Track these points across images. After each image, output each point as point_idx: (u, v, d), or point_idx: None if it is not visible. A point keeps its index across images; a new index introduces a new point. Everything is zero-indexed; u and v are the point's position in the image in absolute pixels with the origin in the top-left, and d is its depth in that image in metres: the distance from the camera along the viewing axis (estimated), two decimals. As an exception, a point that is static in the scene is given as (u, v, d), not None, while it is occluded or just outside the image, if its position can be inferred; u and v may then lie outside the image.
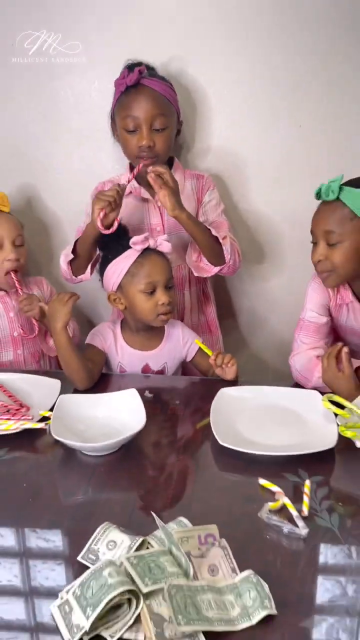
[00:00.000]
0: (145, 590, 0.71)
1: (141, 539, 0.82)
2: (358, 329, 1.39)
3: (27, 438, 1.13)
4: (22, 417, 1.15)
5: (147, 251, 1.34)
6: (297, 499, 0.94)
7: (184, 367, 1.54)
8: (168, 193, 1.37)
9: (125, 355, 1.42)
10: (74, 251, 1.46)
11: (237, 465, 1.04)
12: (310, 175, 1.62)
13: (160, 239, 1.34)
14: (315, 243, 1.29)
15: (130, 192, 1.54)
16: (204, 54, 1.58)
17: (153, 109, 1.43)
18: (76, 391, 1.30)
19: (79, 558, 0.82)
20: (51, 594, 0.77)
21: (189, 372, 1.55)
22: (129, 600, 0.72)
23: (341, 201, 1.22)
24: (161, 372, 1.44)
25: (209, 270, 1.50)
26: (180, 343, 1.45)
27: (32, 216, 1.76)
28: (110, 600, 0.69)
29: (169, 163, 1.56)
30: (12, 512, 0.94)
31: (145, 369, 1.43)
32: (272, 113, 1.61)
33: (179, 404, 1.28)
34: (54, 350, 1.59)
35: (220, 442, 1.05)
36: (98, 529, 0.84)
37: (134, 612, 0.71)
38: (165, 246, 1.34)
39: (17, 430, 1.12)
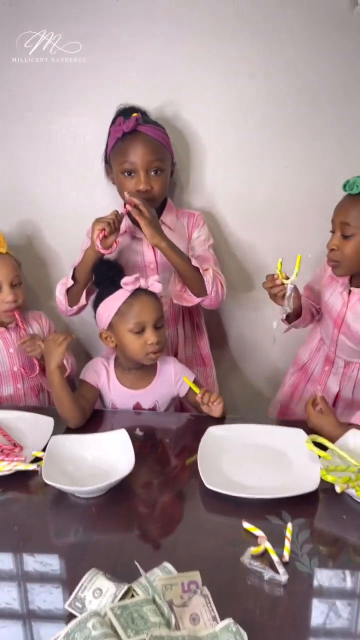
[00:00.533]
0: (127, 642, 0.74)
1: (126, 587, 0.85)
2: (332, 308, 1.49)
3: (20, 479, 1.16)
4: (15, 458, 1.19)
5: (138, 291, 1.37)
6: (278, 542, 0.97)
7: (180, 402, 1.58)
8: (146, 223, 1.42)
9: (116, 393, 1.46)
10: (73, 278, 1.51)
11: (223, 507, 1.08)
12: (295, 211, 1.69)
13: (152, 280, 1.38)
14: (332, 232, 1.37)
15: (125, 231, 1.58)
16: (197, 99, 1.64)
17: (149, 155, 1.48)
18: (68, 429, 1.34)
19: (66, 606, 0.85)
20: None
21: (185, 406, 1.59)
22: (112, 652, 0.75)
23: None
24: (153, 409, 1.47)
25: (191, 300, 1.54)
26: (172, 380, 1.48)
27: (31, 252, 1.81)
28: (93, 652, 0.72)
29: (163, 203, 1.61)
30: (2, 557, 0.97)
31: (137, 407, 1.47)
32: (261, 154, 1.66)
33: (169, 442, 1.31)
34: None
35: (207, 485, 1.09)
36: (85, 576, 0.87)
37: (116, 664, 0.74)
38: (156, 287, 1.38)
39: (10, 472, 1.16)
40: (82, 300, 1.54)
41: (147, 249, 1.60)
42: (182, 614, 0.82)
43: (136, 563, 0.84)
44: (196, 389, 1.40)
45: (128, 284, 1.36)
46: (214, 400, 1.37)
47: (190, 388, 1.47)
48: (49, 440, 1.24)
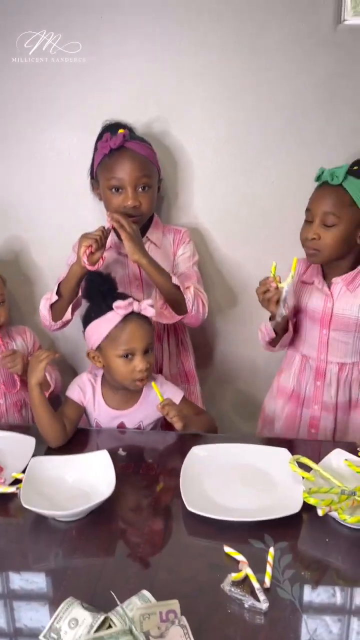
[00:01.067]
0: None
1: (102, 617, 0.83)
2: (315, 311, 1.50)
3: (1, 500, 1.14)
4: (-5, 481, 1.17)
5: (130, 315, 1.33)
6: (260, 568, 0.96)
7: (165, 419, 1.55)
8: (127, 237, 1.42)
9: (101, 412, 1.44)
10: (57, 292, 1.50)
11: (205, 530, 1.06)
12: (280, 227, 1.69)
13: (145, 304, 1.35)
14: (309, 221, 1.40)
15: (111, 247, 1.58)
16: (185, 116, 1.65)
17: (137, 171, 1.48)
18: (49, 449, 1.32)
19: (40, 637, 0.83)
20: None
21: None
22: None
23: (343, 187, 1.34)
24: (137, 428, 1.45)
25: (171, 317, 1.53)
26: (158, 400, 1.44)
27: (17, 268, 1.80)
28: None
29: (149, 219, 1.61)
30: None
31: (121, 426, 1.45)
32: (247, 171, 1.67)
33: (152, 462, 1.30)
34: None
35: (188, 508, 1.07)
36: (61, 606, 0.85)
37: None
38: (149, 311, 1.35)
39: (-12, 495, 1.14)
40: (67, 315, 1.53)
41: (132, 265, 1.59)
42: (159, 645, 0.80)
43: (112, 593, 0.83)
44: (161, 397, 1.37)
45: (120, 307, 1.32)
46: (172, 416, 1.34)
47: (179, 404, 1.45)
48: (29, 461, 1.23)
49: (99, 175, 1.55)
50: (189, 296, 1.48)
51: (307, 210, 1.42)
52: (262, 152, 1.64)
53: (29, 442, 1.31)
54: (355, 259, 1.48)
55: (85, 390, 1.45)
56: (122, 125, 1.55)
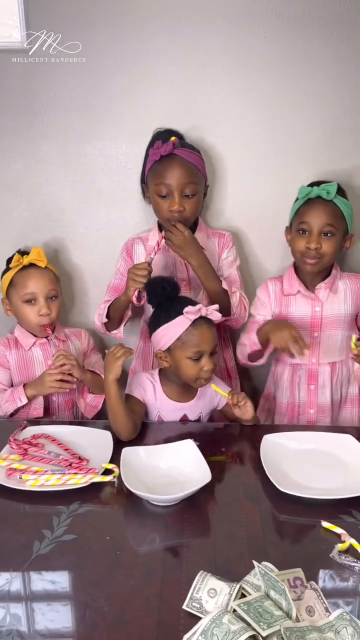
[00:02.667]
0: (264, 634, 0.80)
1: (238, 586, 0.91)
2: (304, 317, 1.63)
3: (92, 491, 1.19)
4: (89, 471, 1.21)
5: (198, 320, 1.40)
6: (358, 539, 1.05)
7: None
8: (179, 247, 1.53)
9: (164, 406, 1.50)
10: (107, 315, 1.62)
11: (296, 509, 1.14)
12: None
13: (211, 309, 1.41)
14: (306, 232, 1.55)
15: (160, 249, 1.65)
16: (220, 124, 1.72)
17: (184, 178, 1.55)
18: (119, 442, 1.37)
19: (184, 607, 0.89)
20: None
21: (213, 419, 1.64)
22: (248, 644, 0.80)
23: (333, 202, 1.54)
24: (197, 420, 1.53)
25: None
26: (212, 393, 1.53)
27: (57, 266, 1.83)
28: (238, 645, 0.77)
29: (194, 223, 1.68)
30: (105, 564, 1.00)
31: (183, 419, 1.52)
32: (281, 177, 1.76)
33: (225, 450, 1.37)
34: (88, 409, 1.67)
35: (281, 489, 1.15)
36: (197, 578, 0.92)
37: (255, 655, 0.79)
38: (215, 315, 1.42)
39: (86, 484, 1.18)
40: (120, 334, 1.69)
41: (180, 266, 1.67)
42: (299, 606, 0.88)
43: (254, 562, 0.90)
44: (224, 394, 1.46)
45: (190, 313, 1.39)
46: (241, 400, 1.43)
47: (226, 403, 1.53)
48: (112, 452, 1.29)
49: (149, 180, 1.62)
50: (234, 300, 1.58)
51: (303, 223, 1.55)
52: (297, 161, 1.74)
53: (106, 436, 1.37)
54: (331, 266, 1.65)
55: (145, 388, 1.51)
56: (173, 132, 1.62)
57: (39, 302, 1.61)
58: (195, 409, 1.52)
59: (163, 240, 1.56)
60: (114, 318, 1.64)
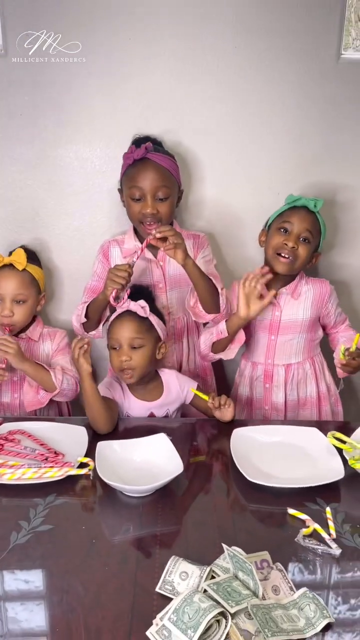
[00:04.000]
0: (232, 610, 0.85)
1: (208, 569, 0.95)
2: (264, 320, 1.70)
3: (68, 484, 1.22)
4: (65, 464, 1.25)
5: (123, 313, 1.52)
6: (322, 524, 1.11)
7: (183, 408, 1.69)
8: (178, 248, 1.52)
9: (132, 405, 1.56)
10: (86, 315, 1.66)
11: (263, 497, 1.20)
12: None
13: (134, 304, 1.51)
14: (286, 231, 1.62)
15: (135, 252, 1.69)
16: (197, 128, 1.78)
17: (157, 181, 1.60)
18: (96, 435, 1.41)
19: (157, 589, 0.94)
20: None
21: (186, 412, 1.70)
22: (218, 621, 0.85)
23: (316, 215, 1.63)
24: (165, 417, 1.58)
25: (204, 316, 1.66)
26: (178, 389, 1.59)
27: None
28: (208, 621, 0.82)
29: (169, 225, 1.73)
30: (81, 552, 1.04)
31: (151, 416, 1.57)
32: (254, 181, 1.83)
33: (197, 444, 1.42)
34: (31, 403, 1.67)
35: (250, 479, 1.21)
36: (169, 562, 0.97)
37: (224, 630, 0.84)
38: (137, 309, 1.51)
39: (62, 477, 1.22)
40: (99, 332, 1.71)
41: (155, 269, 1.72)
42: (265, 586, 0.93)
43: (224, 545, 0.95)
44: (205, 397, 1.51)
45: (118, 305, 1.54)
46: (224, 403, 1.49)
47: (195, 395, 1.59)
48: (87, 446, 1.33)
49: (123, 184, 1.66)
50: (223, 298, 1.62)
51: (286, 222, 1.63)
52: (270, 166, 1.81)
53: (80, 431, 1.40)
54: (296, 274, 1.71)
55: (114, 389, 1.56)
56: (150, 139, 1.67)
57: (4, 302, 1.64)
58: (162, 407, 1.57)
59: (144, 248, 1.59)
60: (92, 318, 1.67)
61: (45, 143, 1.76)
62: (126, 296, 1.55)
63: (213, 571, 0.96)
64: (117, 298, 1.57)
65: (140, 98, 1.74)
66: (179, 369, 1.79)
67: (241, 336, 1.65)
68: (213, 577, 0.95)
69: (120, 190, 1.70)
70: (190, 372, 1.80)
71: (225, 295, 1.64)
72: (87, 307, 1.65)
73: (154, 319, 1.54)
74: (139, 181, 1.60)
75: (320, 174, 1.83)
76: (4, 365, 1.57)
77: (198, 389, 1.60)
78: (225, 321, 1.62)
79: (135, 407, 1.56)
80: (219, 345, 1.66)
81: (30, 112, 1.73)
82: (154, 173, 1.60)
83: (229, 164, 1.82)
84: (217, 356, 1.69)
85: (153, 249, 1.69)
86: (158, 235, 1.51)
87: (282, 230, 1.63)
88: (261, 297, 1.57)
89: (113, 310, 1.59)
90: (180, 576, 0.95)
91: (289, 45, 1.71)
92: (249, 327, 1.71)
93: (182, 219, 1.86)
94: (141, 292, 1.59)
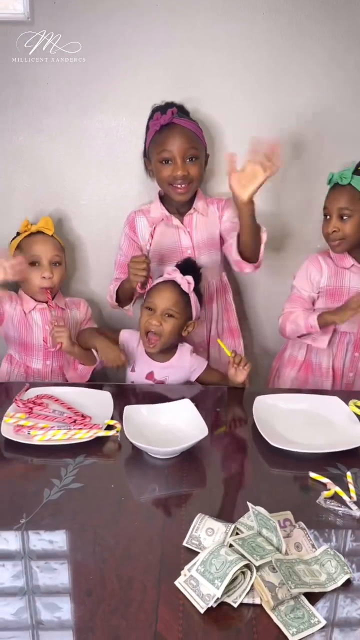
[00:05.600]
0: (257, 564, 0.89)
1: (233, 526, 1.00)
2: (357, 290, 1.69)
3: (95, 445, 1.27)
4: (93, 427, 1.29)
5: (163, 282, 1.57)
6: (343, 487, 1.14)
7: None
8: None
9: (139, 357, 1.64)
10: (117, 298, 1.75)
11: (286, 462, 1.23)
12: (302, 196, 1.86)
13: (174, 272, 1.56)
14: (328, 217, 1.64)
15: (162, 219, 1.71)
16: (216, 94, 1.77)
17: (185, 143, 1.63)
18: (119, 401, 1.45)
19: (184, 543, 0.98)
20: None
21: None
22: (243, 573, 0.89)
23: (352, 185, 1.60)
24: (161, 382, 1.63)
25: (250, 267, 1.64)
26: (187, 365, 1.64)
27: (60, 236, 1.89)
28: (234, 572, 0.86)
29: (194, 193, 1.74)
30: (111, 509, 1.08)
31: (149, 376, 1.63)
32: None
33: (220, 410, 1.46)
34: (75, 379, 1.76)
35: (272, 443, 1.24)
36: (196, 519, 1.01)
37: (249, 582, 0.88)
38: (177, 277, 1.56)
39: (90, 439, 1.26)
40: (131, 312, 1.77)
41: (183, 235, 1.74)
42: (288, 542, 0.97)
43: (249, 503, 0.99)
44: (228, 352, 1.55)
45: (167, 273, 1.58)
46: (243, 364, 1.53)
47: (205, 370, 1.65)
48: (112, 410, 1.38)
49: (151, 151, 1.68)
50: (261, 248, 1.62)
51: (325, 208, 1.66)
52: (295, 136, 1.80)
53: (106, 396, 1.45)
54: None
55: (131, 340, 1.65)
56: (170, 105, 1.67)
57: (42, 265, 1.68)
58: (163, 370, 1.63)
59: (155, 230, 1.65)
60: (123, 300, 1.74)
61: (70, 113, 1.77)
62: (150, 283, 1.60)
63: (237, 528, 1.00)
64: (143, 285, 1.61)
65: (163, 68, 1.73)
66: (209, 332, 1.83)
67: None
68: (237, 534, 0.99)
69: (147, 159, 1.71)
70: (219, 332, 1.84)
71: None
72: (117, 290, 1.72)
73: (193, 298, 1.58)
74: (168, 145, 1.63)
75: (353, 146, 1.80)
76: (57, 348, 1.67)
77: (208, 366, 1.66)
78: (318, 317, 1.63)
79: (141, 360, 1.64)
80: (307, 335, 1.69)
81: (57, 81, 1.73)
82: (181, 136, 1.63)
83: (252, 132, 1.78)
84: (308, 342, 1.73)
85: (179, 214, 1.72)
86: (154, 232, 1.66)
87: (326, 217, 1.66)
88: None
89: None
90: (206, 532, 1.00)
91: (318, 10, 1.68)
92: (333, 295, 1.72)
93: (204, 188, 1.85)
94: (192, 268, 1.62)
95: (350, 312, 1.56)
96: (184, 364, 1.64)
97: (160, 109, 1.67)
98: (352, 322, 1.66)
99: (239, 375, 1.53)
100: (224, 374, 1.68)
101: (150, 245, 1.65)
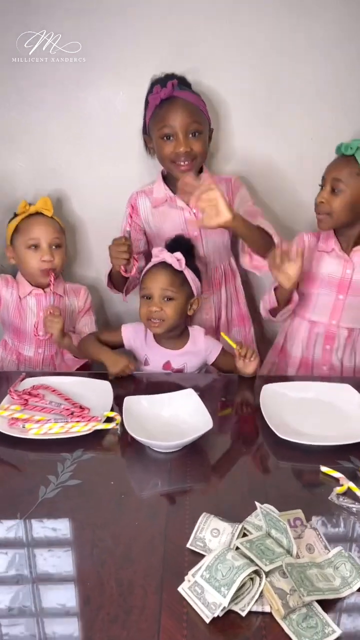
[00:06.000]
0: (267, 569, 0.83)
1: (240, 526, 0.93)
2: (332, 276, 1.58)
3: (94, 439, 1.21)
4: (91, 419, 1.23)
5: (158, 264, 1.47)
6: (357, 483, 1.08)
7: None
8: (222, 196, 1.35)
9: (151, 350, 1.54)
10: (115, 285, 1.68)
11: (294, 455, 1.17)
12: (314, 176, 1.72)
13: (167, 253, 1.46)
14: (322, 187, 1.51)
15: (166, 201, 1.62)
16: (218, 65, 1.67)
17: (187, 117, 1.52)
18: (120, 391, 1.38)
19: (188, 545, 0.92)
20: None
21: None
22: (251, 579, 0.83)
23: (355, 158, 1.46)
24: (180, 370, 1.55)
25: (263, 267, 1.56)
26: (202, 348, 1.55)
27: (60, 218, 1.81)
28: (242, 579, 0.80)
29: (199, 171, 1.65)
30: (110, 507, 1.02)
31: (166, 366, 1.54)
32: (286, 125, 1.72)
33: (225, 400, 1.39)
34: (63, 366, 1.71)
35: (280, 436, 1.17)
36: (200, 519, 0.95)
37: (257, 589, 0.82)
38: (169, 258, 1.46)
39: (89, 432, 1.20)
40: (125, 298, 1.70)
41: (189, 217, 1.65)
42: (299, 544, 0.91)
43: (257, 503, 0.92)
44: (233, 344, 1.46)
45: (154, 255, 1.49)
46: (250, 355, 1.44)
47: (220, 354, 1.55)
48: (112, 401, 1.31)
49: (152, 127, 1.58)
50: (277, 240, 1.53)
51: (322, 177, 1.53)
52: (303, 109, 1.71)
53: (105, 386, 1.38)
54: None
55: (138, 332, 1.55)
56: (171, 77, 1.57)
57: (42, 248, 1.61)
58: (180, 358, 1.54)
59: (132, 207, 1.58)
60: (117, 285, 1.66)
61: (67, 87, 1.67)
62: (136, 265, 1.53)
63: (245, 529, 0.94)
64: (128, 268, 1.53)
65: (162, 38, 1.63)
66: (218, 319, 1.75)
67: (294, 298, 1.56)
68: (245, 535, 0.93)
69: (147, 137, 1.62)
70: (228, 319, 1.77)
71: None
72: (111, 279, 1.64)
73: (188, 274, 1.49)
74: (169, 120, 1.53)
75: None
76: (47, 337, 1.61)
77: (222, 350, 1.56)
78: (274, 289, 1.54)
79: (154, 351, 1.54)
80: (277, 310, 1.58)
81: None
82: (183, 109, 1.53)
83: (257, 105, 1.71)
84: (283, 318, 1.63)
85: (185, 195, 1.62)
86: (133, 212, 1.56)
87: (321, 188, 1.53)
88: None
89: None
90: (211, 533, 0.93)
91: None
92: (309, 283, 1.62)
93: (210, 165, 1.76)
94: (181, 243, 1.53)
95: (292, 268, 1.42)
96: (199, 348, 1.55)
97: (159, 82, 1.57)
98: (321, 308, 1.61)
99: (248, 367, 1.45)
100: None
101: (129, 226, 1.54)
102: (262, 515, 0.92)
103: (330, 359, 1.66)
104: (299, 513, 0.98)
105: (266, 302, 1.60)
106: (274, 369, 1.76)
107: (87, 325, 1.75)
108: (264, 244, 1.51)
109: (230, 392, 1.45)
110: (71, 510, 1.01)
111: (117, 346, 1.55)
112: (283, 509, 0.97)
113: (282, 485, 1.10)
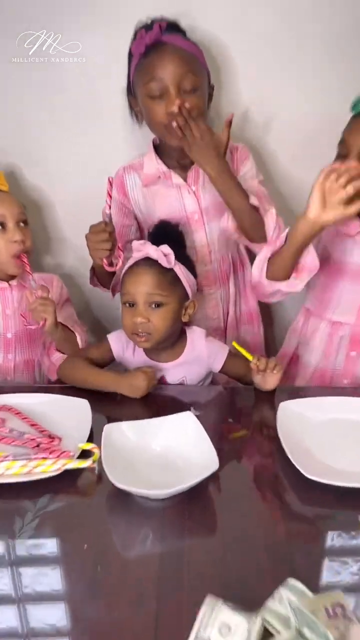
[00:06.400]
0: None
1: (259, 620, 0.67)
2: (358, 265, 1.28)
3: (67, 479, 0.93)
4: (62, 454, 0.96)
5: (140, 261, 1.19)
6: None
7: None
8: (191, 143, 1.21)
9: (142, 363, 1.25)
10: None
11: (322, 497, 0.90)
12: (329, 136, 1.44)
13: (160, 247, 1.17)
14: (343, 155, 1.17)
15: (159, 177, 1.34)
16: (222, 12, 1.37)
17: (180, 67, 1.22)
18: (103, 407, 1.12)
19: (187, 651, 0.66)
20: None
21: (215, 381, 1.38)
22: None
23: None
24: (179, 384, 1.27)
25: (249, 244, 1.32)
26: (204, 355, 1.27)
27: (23, 197, 1.54)
28: None
29: None
30: (81, 584, 0.75)
31: (161, 382, 1.27)
32: (299, 81, 1.43)
33: (233, 421, 1.12)
34: (52, 369, 1.40)
35: (307, 475, 0.90)
36: (203, 609, 0.68)
37: None
38: (168, 259, 1.17)
39: (59, 472, 0.93)
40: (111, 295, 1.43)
41: (187, 196, 1.37)
42: (344, 650, 0.65)
43: (281, 588, 0.66)
44: (248, 356, 1.19)
45: (135, 250, 1.19)
46: (272, 367, 1.16)
47: (228, 357, 1.27)
48: (91, 426, 1.04)
49: (136, 83, 1.29)
50: (269, 221, 1.26)
51: (341, 142, 1.20)
52: (319, 63, 1.42)
53: (82, 405, 1.10)
54: None
55: (127, 343, 1.27)
56: (158, 20, 1.27)
57: (8, 228, 1.33)
58: (177, 370, 1.26)
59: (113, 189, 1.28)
60: (103, 282, 1.40)
61: (34, 36, 1.40)
62: (121, 257, 1.25)
63: (266, 621, 0.67)
64: (110, 263, 1.26)
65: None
66: (226, 317, 1.48)
67: (312, 262, 1.20)
68: (266, 631, 0.67)
69: (132, 97, 1.33)
70: (236, 317, 1.50)
71: (276, 218, 1.28)
72: (95, 275, 1.39)
73: (180, 270, 1.20)
74: (157, 72, 1.22)
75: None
76: (39, 326, 1.30)
77: (229, 353, 1.28)
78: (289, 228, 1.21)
79: (141, 364, 1.25)
80: (278, 268, 1.22)
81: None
82: (174, 58, 1.22)
83: (267, 57, 1.42)
84: (276, 286, 1.23)
85: (182, 170, 1.35)
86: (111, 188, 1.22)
87: (339, 155, 1.20)
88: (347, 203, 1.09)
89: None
90: (219, 631, 0.66)
91: None
92: (330, 271, 1.31)
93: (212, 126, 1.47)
94: (167, 232, 1.24)
95: (271, 381, 1.17)
96: (201, 354, 1.26)
97: (145, 27, 1.27)
98: (345, 306, 1.30)
99: (269, 381, 1.17)
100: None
101: (110, 208, 1.23)
102: (290, 609, 0.65)
103: (354, 369, 1.35)
104: (339, 596, 0.71)
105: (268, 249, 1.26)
106: (285, 381, 1.45)
107: (71, 316, 1.47)
108: (247, 220, 1.27)
109: (241, 410, 1.18)
110: (25, 593, 0.74)
111: (109, 361, 1.28)
112: (316, 583, 0.72)
113: (312, 544, 0.83)
